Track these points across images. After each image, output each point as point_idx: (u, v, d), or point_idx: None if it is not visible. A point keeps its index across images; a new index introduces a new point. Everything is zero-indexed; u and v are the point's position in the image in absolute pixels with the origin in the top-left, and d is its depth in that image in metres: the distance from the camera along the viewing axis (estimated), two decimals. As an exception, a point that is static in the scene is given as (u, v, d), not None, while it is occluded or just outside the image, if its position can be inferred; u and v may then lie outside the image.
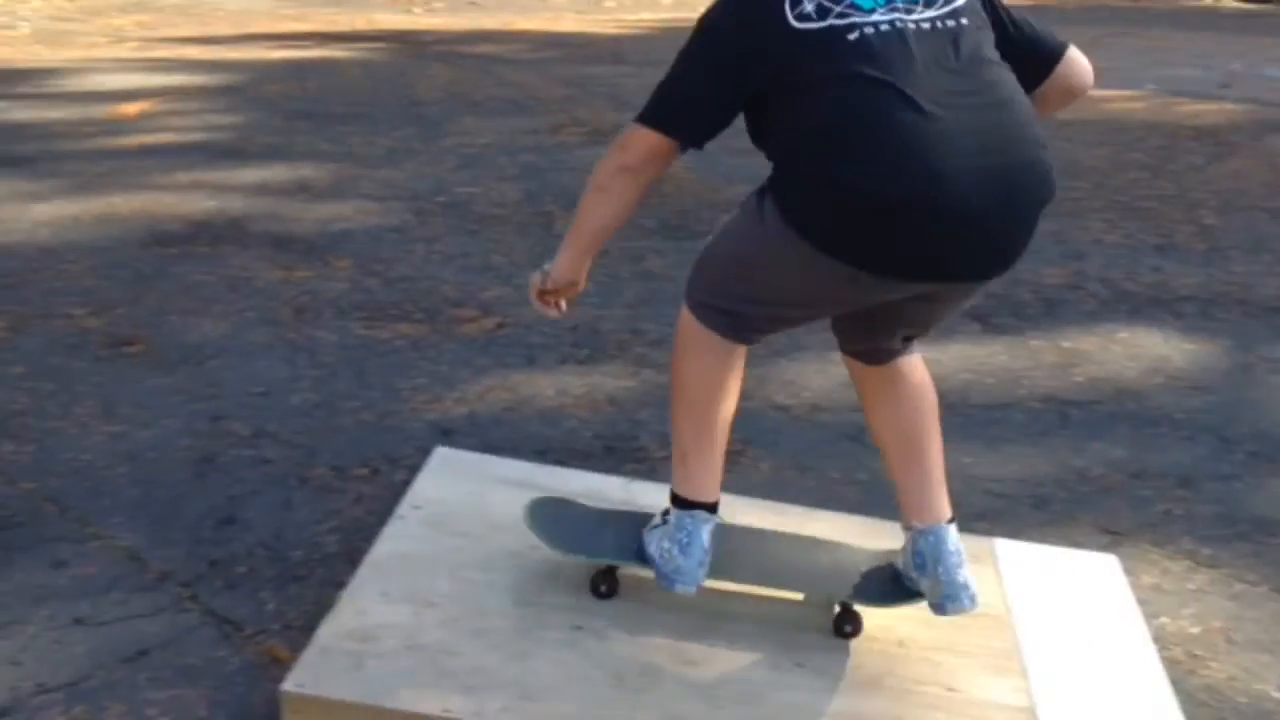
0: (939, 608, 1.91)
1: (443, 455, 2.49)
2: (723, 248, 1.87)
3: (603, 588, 2.02)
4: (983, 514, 2.55)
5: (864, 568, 2.05)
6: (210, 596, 2.13)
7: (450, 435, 2.79)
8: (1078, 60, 1.87)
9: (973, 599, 1.90)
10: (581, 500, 2.19)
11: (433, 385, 3.07)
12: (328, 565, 2.25)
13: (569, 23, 10.20)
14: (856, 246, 1.66)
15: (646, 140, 1.77)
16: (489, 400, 3.01)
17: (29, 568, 2.19)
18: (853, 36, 1.66)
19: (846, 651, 1.94)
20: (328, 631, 1.88)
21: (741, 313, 1.84)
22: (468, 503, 2.27)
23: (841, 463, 2.78)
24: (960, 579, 1.89)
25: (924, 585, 1.92)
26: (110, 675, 1.91)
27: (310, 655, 1.83)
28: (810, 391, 3.12)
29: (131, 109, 5.80)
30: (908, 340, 1.98)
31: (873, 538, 2.20)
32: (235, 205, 4.43)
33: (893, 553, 2.03)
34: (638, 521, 2.03)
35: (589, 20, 10.45)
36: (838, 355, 2.05)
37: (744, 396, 1.90)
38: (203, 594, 2.14)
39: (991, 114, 1.68)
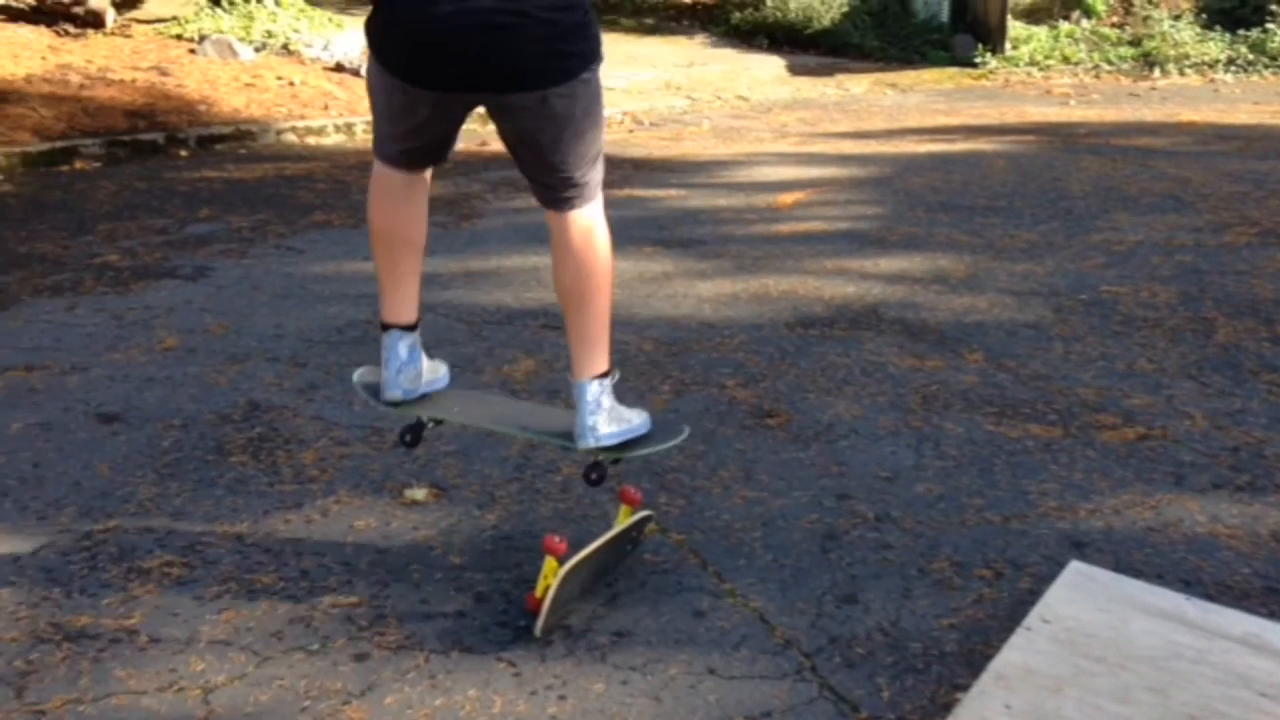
0: (574, 444, 2.38)
1: (1077, 570, 2.33)
2: None
3: (408, 437, 2.54)
4: None
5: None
6: (829, 672, 2.18)
7: (1083, 549, 2.61)
8: None
9: (598, 438, 2.35)
10: (1237, 645, 1.92)
11: (1064, 492, 2.90)
12: (944, 663, 2.19)
13: (1244, 114, 9.32)
14: (389, 57, 2.20)
15: None
16: (1127, 517, 2.77)
17: (672, 612, 2.39)
18: None
19: None
20: (945, 734, 1.83)
21: (384, 147, 2.34)
22: (1103, 625, 2.09)
23: None
24: (590, 423, 2.35)
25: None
26: (734, 729, 2.02)
27: (925, 755, 1.79)
28: None
29: (787, 198, 6.27)
30: (554, 187, 2.30)
31: None
32: (873, 292, 4.58)
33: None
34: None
35: (1269, 111, 9.47)
36: None
37: None
38: (822, 667, 2.19)
39: None
